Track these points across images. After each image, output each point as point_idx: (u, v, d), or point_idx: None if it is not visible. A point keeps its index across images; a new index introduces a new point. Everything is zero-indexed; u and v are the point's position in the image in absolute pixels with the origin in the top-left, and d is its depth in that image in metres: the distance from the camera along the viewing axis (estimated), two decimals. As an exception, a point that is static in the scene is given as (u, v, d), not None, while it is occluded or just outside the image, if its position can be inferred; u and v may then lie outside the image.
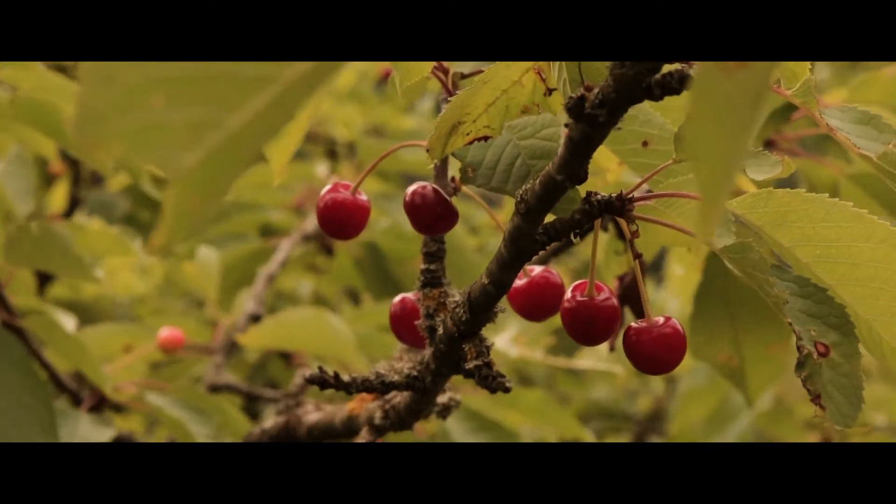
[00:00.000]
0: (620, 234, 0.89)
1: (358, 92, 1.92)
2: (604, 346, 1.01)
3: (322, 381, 0.67)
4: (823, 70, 1.87)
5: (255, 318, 1.28)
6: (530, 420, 1.17)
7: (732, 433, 1.45)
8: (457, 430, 1.06)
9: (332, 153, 1.96)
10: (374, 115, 1.92)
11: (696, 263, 0.88)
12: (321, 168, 1.84)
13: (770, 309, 0.57)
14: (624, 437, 2.16)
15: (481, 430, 1.08)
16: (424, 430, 1.12)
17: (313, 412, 0.89)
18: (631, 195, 0.57)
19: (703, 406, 1.52)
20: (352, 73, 1.89)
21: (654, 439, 2.08)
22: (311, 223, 1.51)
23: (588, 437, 1.20)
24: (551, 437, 1.23)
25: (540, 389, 1.16)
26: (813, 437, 1.47)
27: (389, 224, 1.51)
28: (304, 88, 0.30)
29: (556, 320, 0.64)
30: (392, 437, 0.80)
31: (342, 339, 1.14)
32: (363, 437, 0.77)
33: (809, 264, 0.58)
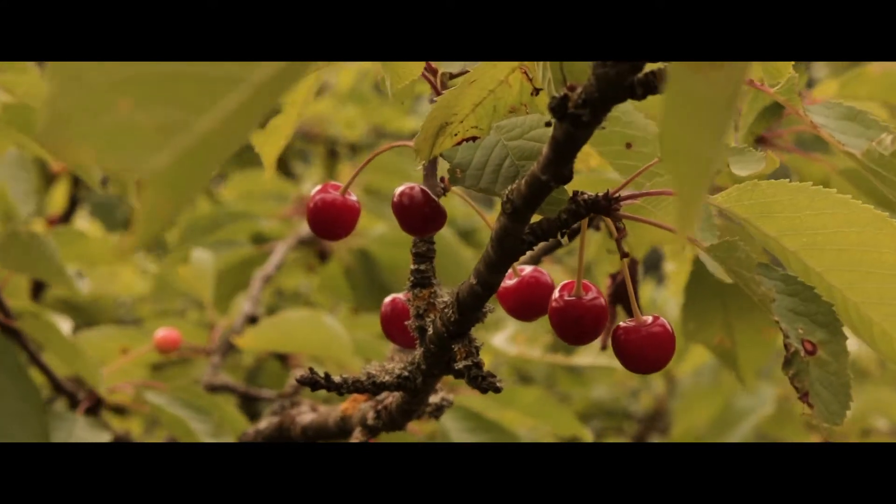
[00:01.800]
0: (613, 233, 0.89)
1: (358, 92, 1.91)
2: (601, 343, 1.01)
3: (313, 383, 0.67)
4: (822, 69, 1.86)
5: (251, 319, 1.28)
6: (528, 419, 1.16)
7: (736, 436, 1.44)
8: (454, 430, 1.05)
9: (332, 153, 1.96)
10: (376, 115, 1.92)
11: (685, 260, 0.88)
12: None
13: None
14: (625, 436, 2.16)
15: (480, 431, 1.08)
16: (422, 431, 1.12)
17: (308, 413, 0.89)
18: (617, 194, 0.57)
19: (707, 409, 1.51)
20: (351, 73, 1.89)
21: (656, 438, 2.08)
22: (306, 228, 1.51)
23: (587, 435, 1.19)
24: (549, 437, 1.23)
25: (538, 388, 1.16)
26: (816, 439, 1.46)
27: (383, 231, 1.51)
28: (274, 89, 0.30)
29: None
30: (385, 438, 0.80)
31: (338, 340, 1.14)
32: (356, 437, 0.77)
33: (797, 252, 0.57)
